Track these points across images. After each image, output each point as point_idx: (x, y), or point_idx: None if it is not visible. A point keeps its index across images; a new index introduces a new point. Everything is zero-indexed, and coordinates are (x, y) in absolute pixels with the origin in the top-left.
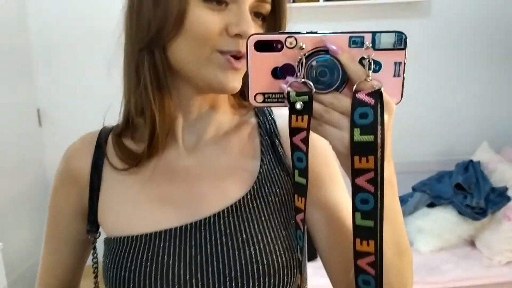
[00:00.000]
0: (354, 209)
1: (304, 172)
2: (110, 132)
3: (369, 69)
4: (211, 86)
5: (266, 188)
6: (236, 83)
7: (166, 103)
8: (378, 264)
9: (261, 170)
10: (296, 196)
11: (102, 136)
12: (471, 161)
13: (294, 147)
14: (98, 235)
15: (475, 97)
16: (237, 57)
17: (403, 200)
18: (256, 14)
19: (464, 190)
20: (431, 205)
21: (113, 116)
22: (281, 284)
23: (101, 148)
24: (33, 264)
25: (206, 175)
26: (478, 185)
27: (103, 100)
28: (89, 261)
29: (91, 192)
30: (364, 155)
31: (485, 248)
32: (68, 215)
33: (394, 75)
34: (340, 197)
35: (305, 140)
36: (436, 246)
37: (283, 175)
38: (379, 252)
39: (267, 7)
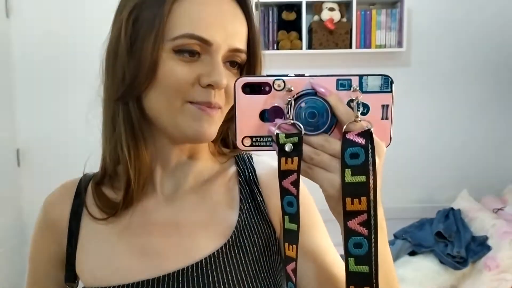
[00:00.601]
0: (347, 254)
1: (295, 218)
2: (90, 180)
3: (358, 110)
4: (187, 137)
5: (244, 238)
6: (212, 130)
7: (141, 153)
8: None
9: (239, 220)
10: (286, 244)
11: (82, 184)
12: (452, 208)
13: (284, 191)
14: (76, 284)
15: (455, 144)
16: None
17: None
18: (232, 63)
19: (445, 239)
20: (412, 253)
21: (96, 162)
22: None
23: (80, 196)
24: None
25: (184, 226)
26: (459, 233)
27: (85, 144)
28: None
29: (69, 241)
30: (356, 196)
31: None
32: (47, 263)
33: (382, 118)
34: (325, 243)
35: (296, 183)
36: None
37: (262, 223)
38: None
39: (242, 56)
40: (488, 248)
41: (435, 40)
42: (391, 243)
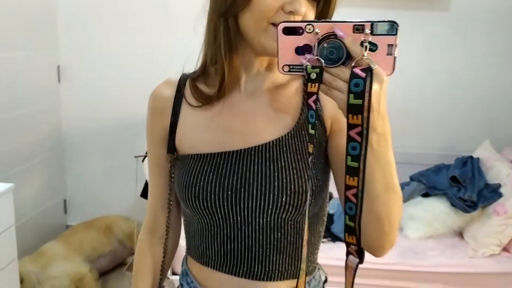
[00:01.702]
0: (347, 153)
1: (314, 126)
2: (188, 77)
3: (366, 50)
4: (266, 51)
5: (303, 132)
6: None
7: (234, 59)
8: (359, 196)
9: (301, 117)
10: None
11: (181, 81)
12: (471, 157)
13: (308, 107)
14: (174, 155)
15: (484, 95)
16: None
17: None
18: None
19: (459, 183)
20: (426, 195)
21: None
22: (303, 204)
23: (180, 89)
24: (42, 211)
25: (260, 115)
26: (473, 179)
27: (122, 62)
28: None
29: (172, 122)
30: (355, 114)
31: (471, 239)
32: (160, 142)
33: (387, 54)
34: None
35: (316, 101)
36: (425, 234)
37: (317, 123)
38: (361, 189)
39: None
40: (500, 195)
41: None
42: (406, 184)
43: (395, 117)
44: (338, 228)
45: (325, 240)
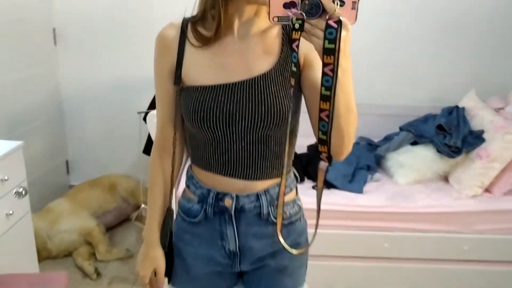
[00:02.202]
0: (322, 85)
1: (296, 65)
2: (188, 22)
3: (337, 5)
4: (258, 1)
5: (286, 65)
6: None
7: (229, 6)
8: (331, 116)
9: (282, 54)
10: (321, 102)
11: (184, 24)
12: (457, 106)
13: (292, 50)
14: (179, 86)
15: (469, 47)
16: None
17: (389, 138)
18: None
19: (445, 131)
20: (414, 143)
21: None
22: (283, 123)
23: (184, 31)
24: (45, 172)
25: (250, 54)
26: (458, 127)
27: (116, 22)
28: None
29: (178, 59)
30: (329, 55)
31: (456, 182)
32: (166, 75)
33: (352, 8)
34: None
35: (297, 46)
36: (413, 179)
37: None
38: (332, 111)
39: None
40: (483, 140)
41: None
42: (396, 134)
43: (387, 71)
44: (330, 176)
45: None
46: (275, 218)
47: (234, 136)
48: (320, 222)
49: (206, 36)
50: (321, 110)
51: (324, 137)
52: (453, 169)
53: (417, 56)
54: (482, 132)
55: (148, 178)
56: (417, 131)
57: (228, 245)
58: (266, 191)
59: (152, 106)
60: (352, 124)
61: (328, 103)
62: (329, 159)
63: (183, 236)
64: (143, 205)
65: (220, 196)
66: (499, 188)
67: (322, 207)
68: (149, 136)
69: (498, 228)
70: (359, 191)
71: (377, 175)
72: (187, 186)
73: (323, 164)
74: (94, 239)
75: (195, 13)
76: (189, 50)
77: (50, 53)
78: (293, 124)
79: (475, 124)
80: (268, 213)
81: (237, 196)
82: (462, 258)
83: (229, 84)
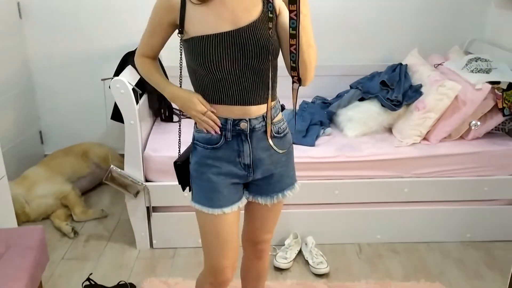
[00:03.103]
0: (289, 26)
1: (272, 12)
2: None
3: None
4: None
5: (266, 15)
6: None
7: None
8: (297, 49)
9: (263, 7)
10: (290, 39)
11: None
12: (400, 64)
13: (267, 1)
14: (183, 35)
15: (414, 8)
16: None
17: (340, 95)
18: None
19: (388, 87)
20: (362, 99)
21: None
22: (268, 58)
23: None
24: (19, 143)
25: (241, 7)
26: (400, 82)
27: None
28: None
29: (181, 14)
30: (293, 4)
31: (398, 133)
32: (166, 23)
33: None
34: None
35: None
36: (361, 132)
37: (272, 7)
38: (298, 45)
39: None
40: (421, 94)
41: None
42: (346, 92)
43: (340, 34)
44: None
45: None
46: (278, 132)
47: (238, 72)
48: (297, 173)
49: None
50: (290, 45)
51: (294, 64)
52: (396, 121)
53: (366, 19)
54: (420, 86)
55: (117, 144)
56: (364, 88)
57: (244, 160)
58: (266, 113)
59: (117, 74)
60: (313, 56)
61: (294, 39)
62: (299, 81)
63: (206, 161)
64: (112, 166)
65: (236, 122)
66: (435, 136)
67: (296, 160)
68: (115, 103)
69: (434, 171)
70: (312, 144)
71: (329, 129)
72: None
73: (295, 85)
74: (70, 202)
75: None
76: (190, 7)
77: (16, 26)
78: (276, 59)
79: (416, 79)
80: (272, 130)
81: (249, 120)
82: (404, 200)
83: (232, 32)
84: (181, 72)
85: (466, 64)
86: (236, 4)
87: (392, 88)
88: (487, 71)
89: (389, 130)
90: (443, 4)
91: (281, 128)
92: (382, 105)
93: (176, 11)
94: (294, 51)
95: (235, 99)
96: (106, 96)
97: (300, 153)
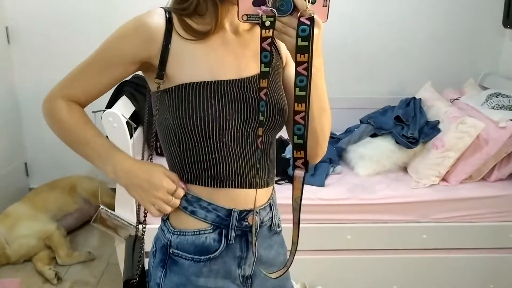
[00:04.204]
0: (295, 86)
1: (269, 64)
2: (169, 12)
3: (308, 2)
4: (232, 1)
5: (274, 62)
6: None
7: (223, 10)
8: (306, 118)
9: (272, 53)
10: (296, 104)
11: (167, 14)
12: (414, 98)
13: (262, 49)
14: (162, 81)
15: (426, 41)
16: None
17: (351, 130)
18: None
19: (402, 122)
20: (374, 135)
21: None
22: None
23: (170, 21)
24: (3, 175)
25: (247, 52)
26: (415, 118)
27: (71, 19)
28: None
29: (163, 50)
30: (302, 53)
31: (414, 173)
32: (131, 58)
33: (323, 6)
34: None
35: (270, 43)
36: (373, 171)
37: (279, 57)
38: (307, 113)
39: None
40: (438, 131)
41: None
42: (356, 127)
43: (348, 65)
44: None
45: (282, 182)
46: (279, 226)
47: (244, 140)
48: (283, 217)
49: (201, 30)
50: (296, 113)
51: (300, 141)
52: (411, 159)
53: (375, 50)
54: (437, 122)
55: (108, 178)
56: (377, 123)
57: (244, 272)
58: (272, 199)
59: (109, 106)
60: (327, 125)
61: (303, 104)
62: (306, 165)
63: (196, 283)
64: (101, 206)
65: (243, 215)
66: (455, 177)
67: (283, 202)
68: (106, 136)
69: (454, 216)
70: (321, 184)
71: (339, 167)
72: (192, 212)
73: (299, 172)
74: (53, 243)
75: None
76: (177, 43)
77: (3, 52)
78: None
79: (431, 115)
80: (276, 223)
81: (259, 211)
82: (422, 246)
83: (237, 81)
84: (156, 140)
85: (486, 100)
86: (241, 48)
87: (407, 124)
88: (510, 107)
89: (404, 169)
90: (456, 37)
91: (281, 218)
92: (397, 142)
93: (156, 44)
94: (302, 121)
95: (241, 180)
96: (98, 127)
97: (309, 194)
